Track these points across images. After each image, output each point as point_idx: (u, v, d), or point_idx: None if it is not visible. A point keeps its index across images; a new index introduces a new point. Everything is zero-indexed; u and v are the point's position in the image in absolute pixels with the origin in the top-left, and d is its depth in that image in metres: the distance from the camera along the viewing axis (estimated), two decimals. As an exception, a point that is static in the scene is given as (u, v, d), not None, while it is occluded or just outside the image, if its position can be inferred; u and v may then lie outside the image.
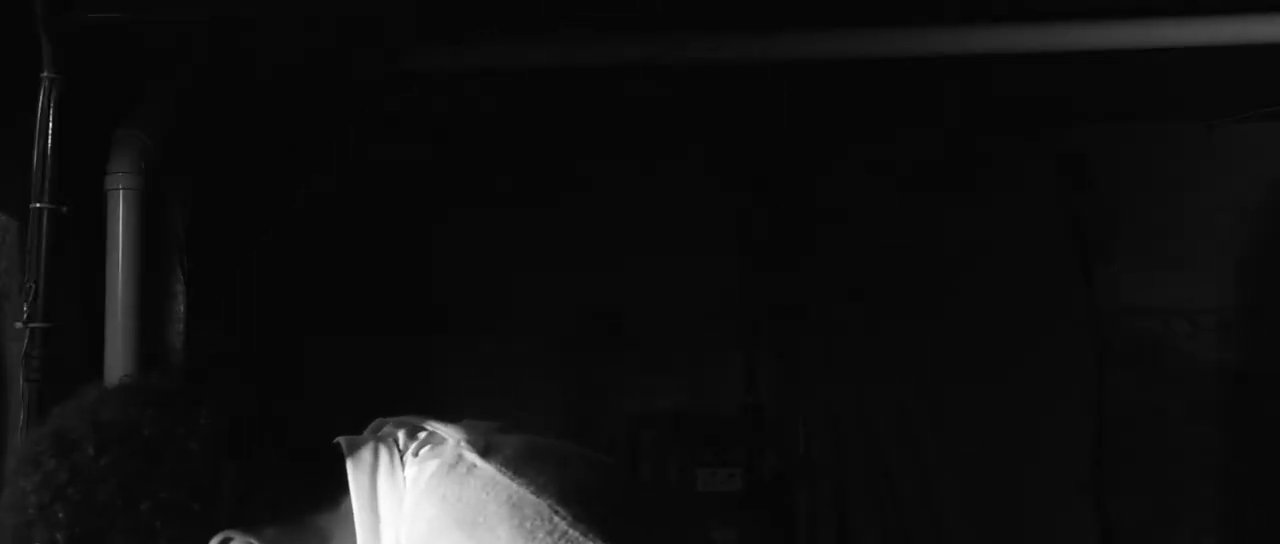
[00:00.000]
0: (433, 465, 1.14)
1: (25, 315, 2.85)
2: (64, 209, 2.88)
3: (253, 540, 1.11)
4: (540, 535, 1.09)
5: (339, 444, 1.19)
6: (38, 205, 2.85)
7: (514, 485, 1.11)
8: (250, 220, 4.35)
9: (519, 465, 1.13)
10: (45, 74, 2.85)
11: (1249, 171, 4.68)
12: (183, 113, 3.62)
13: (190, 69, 3.56)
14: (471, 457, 1.14)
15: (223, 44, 3.23)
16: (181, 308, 3.88)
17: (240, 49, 3.31)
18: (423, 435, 1.19)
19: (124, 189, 3.45)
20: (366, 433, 1.22)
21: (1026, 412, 4.53)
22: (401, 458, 1.17)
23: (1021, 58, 3.74)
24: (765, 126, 4.71)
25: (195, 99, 3.68)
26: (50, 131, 2.84)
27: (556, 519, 1.10)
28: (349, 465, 1.16)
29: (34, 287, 2.84)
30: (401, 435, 1.20)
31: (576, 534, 1.09)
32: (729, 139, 4.77)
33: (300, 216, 4.56)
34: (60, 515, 1.07)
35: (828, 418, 4.63)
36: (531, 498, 1.10)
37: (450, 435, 1.17)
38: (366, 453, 1.17)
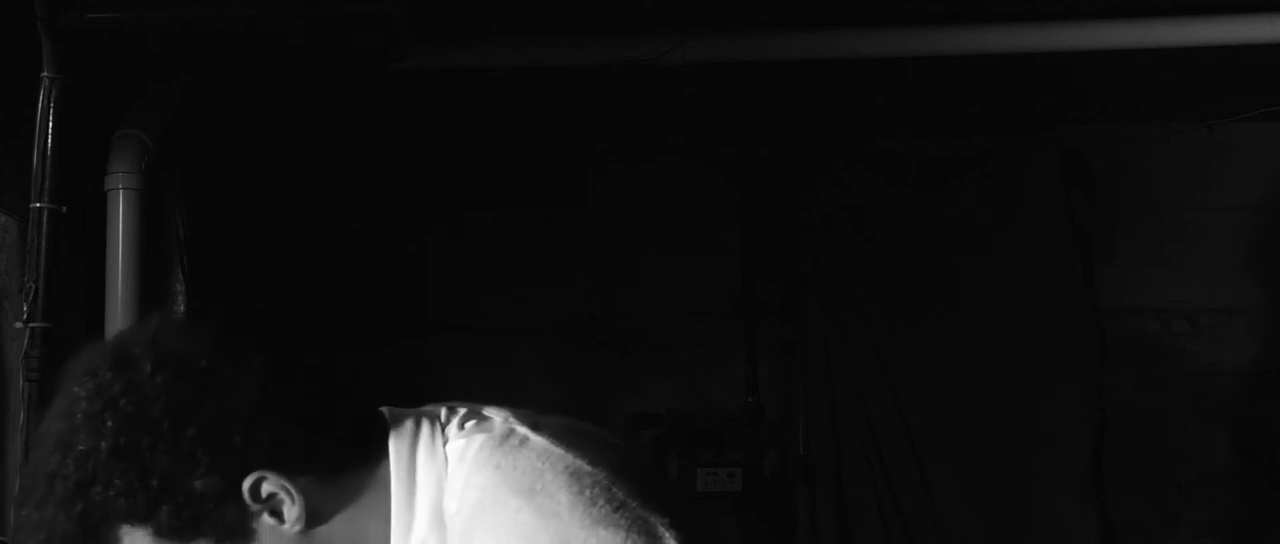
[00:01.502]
0: (481, 438, 1.14)
1: (25, 315, 2.85)
2: (64, 209, 2.88)
3: (286, 484, 1.11)
4: (600, 503, 1.08)
5: (382, 412, 1.19)
6: (38, 205, 2.85)
7: (569, 456, 1.12)
8: (250, 220, 4.35)
9: (570, 440, 1.14)
10: (45, 74, 2.85)
11: (1249, 171, 4.69)
12: (182, 113, 3.63)
13: (190, 69, 3.56)
14: (523, 430, 1.15)
15: (222, 44, 3.23)
16: (181, 308, 3.88)
17: (239, 49, 3.31)
18: (464, 412, 1.19)
19: (124, 189, 3.46)
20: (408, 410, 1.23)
21: (1027, 411, 4.53)
22: (443, 431, 1.17)
23: (1022, 57, 3.74)
24: (766, 126, 4.71)
25: (195, 99, 3.68)
26: (50, 131, 2.84)
27: (614, 490, 1.10)
28: (391, 432, 1.17)
29: (34, 287, 2.84)
30: (443, 412, 1.20)
31: (635, 505, 1.09)
32: (729, 138, 4.77)
33: (299, 216, 4.55)
34: (108, 424, 1.08)
35: (828, 418, 4.62)
36: (588, 469, 1.11)
37: (496, 414, 1.18)
38: (408, 423, 1.18)
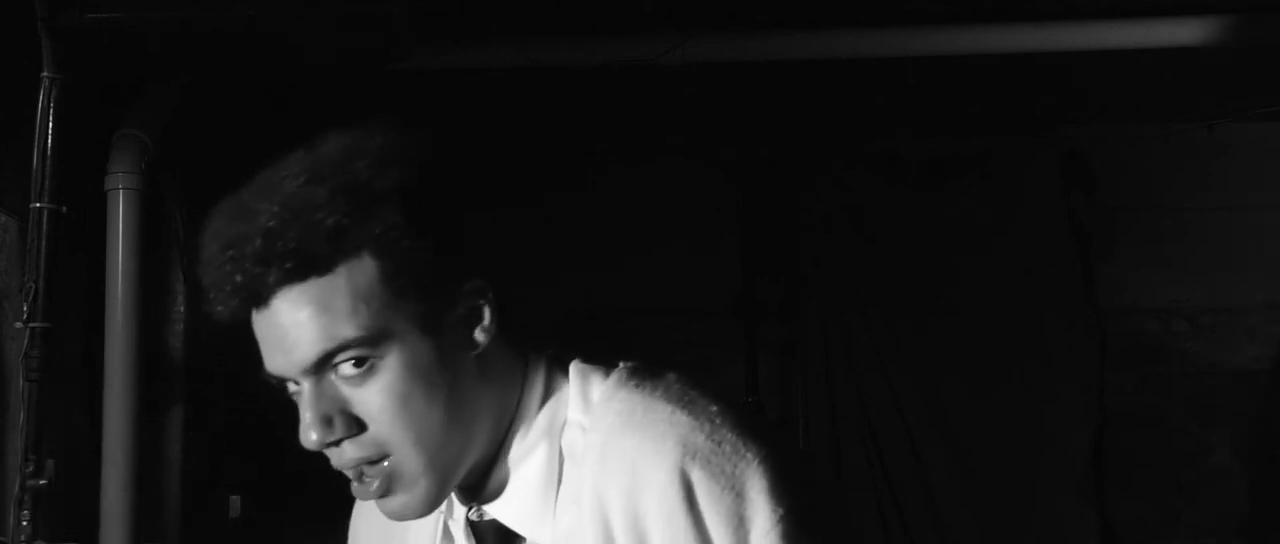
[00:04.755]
0: (606, 369, 1.24)
1: (25, 315, 2.85)
2: (64, 209, 2.88)
3: (490, 296, 1.19)
4: (746, 422, 1.14)
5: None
6: (38, 205, 2.85)
7: (704, 386, 1.18)
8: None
9: (696, 379, 1.20)
10: (45, 74, 2.85)
11: (1249, 171, 4.69)
12: (182, 113, 3.62)
13: (190, 69, 3.56)
14: (652, 368, 1.23)
15: (222, 44, 3.23)
16: (181, 308, 3.88)
17: (239, 49, 3.31)
18: (574, 355, 1.28)
19: (124, 189, 3.46)
20: None
21: (1027, 411, 4.53)
22: (565, 363, 1.27)
23: (1022, 57, 3.74)
24: (766, 126, 4.71)
25: (195, 99, 3.68)
26: (50, 131, 2.84)
27: (752, 416, 1.16)
28: (531, 351, 1.27)
29: (34, 287, 2.84)
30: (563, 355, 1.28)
31: (765, 432, 1.15)
32: (730, 138, 4.77)
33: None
34: (404, 158, 1.16)
35: (828, 418, 4.62)
36: (725, 397, 1.17)
37: (616, 362, 1.25)
38: (543, 356, 1.28)
